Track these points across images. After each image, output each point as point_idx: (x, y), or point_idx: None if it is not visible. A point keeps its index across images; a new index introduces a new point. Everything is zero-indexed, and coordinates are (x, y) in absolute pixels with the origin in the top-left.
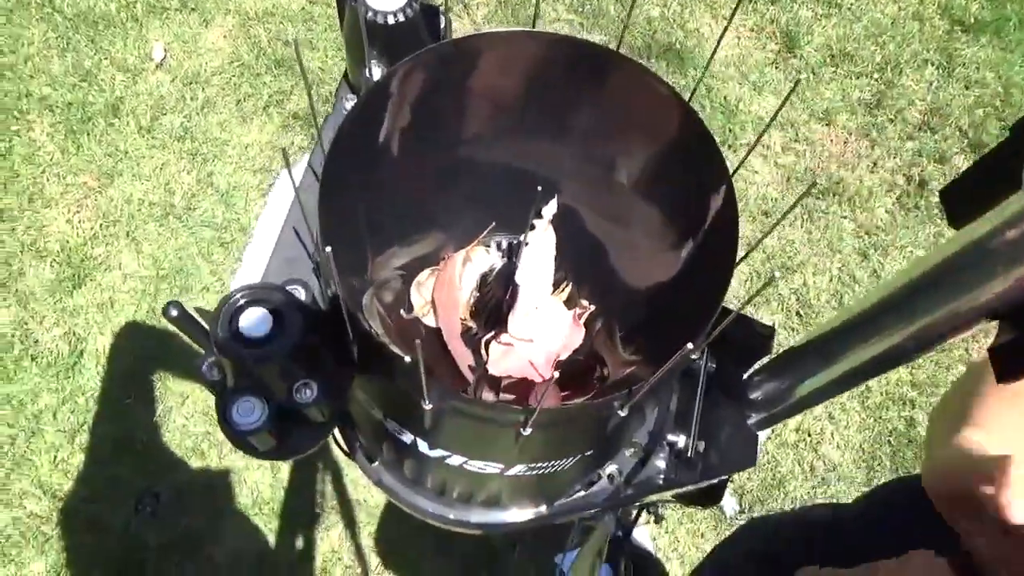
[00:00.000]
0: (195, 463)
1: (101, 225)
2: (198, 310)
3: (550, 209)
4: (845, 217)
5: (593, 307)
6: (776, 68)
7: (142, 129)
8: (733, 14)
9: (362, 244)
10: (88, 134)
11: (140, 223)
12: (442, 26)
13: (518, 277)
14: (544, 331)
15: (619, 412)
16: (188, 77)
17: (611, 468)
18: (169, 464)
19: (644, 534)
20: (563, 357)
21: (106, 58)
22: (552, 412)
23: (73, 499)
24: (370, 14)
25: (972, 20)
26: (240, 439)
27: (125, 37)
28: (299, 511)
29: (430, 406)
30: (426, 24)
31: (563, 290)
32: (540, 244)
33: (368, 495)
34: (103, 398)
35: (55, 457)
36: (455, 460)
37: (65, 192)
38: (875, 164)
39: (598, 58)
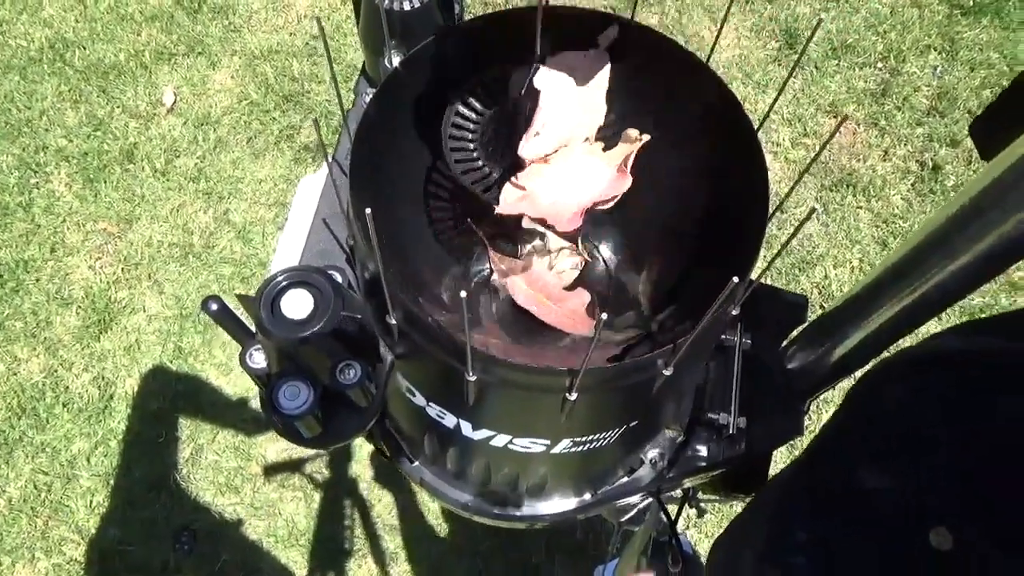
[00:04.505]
0: (229, 498)
1: (123, 269)
2: (239, 296)
3: (608, 36)
4: (860, 207)
5: (647, 137)
6: (779, 65)
7: (157, 172)
8: (726, 13)
9: (393, 232)
10: (105, 181)
11: (161, 265)
12: (457, 11)
13: (537, 82)
14: (578, 177)
15: (663, 371)
16: (199, 119)
17: (652, 452)
18: (204, 501)
19: (686, 540)
20: (605, 207)
21: (118, 106)
22: (597, 372)
23: (111, 542)
24: (387, 2)
25: (971, 3)
26: (287, 425)
27: (135, 84)
28: (334, 541)
29: (473, 377)
30: (441, 9)
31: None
32: (592, 73)
33: (402, 523)
34: (135, 440)
35: (91, 502)
36: (500, 440)
37: (86, 239)
38: (886, 152)
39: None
